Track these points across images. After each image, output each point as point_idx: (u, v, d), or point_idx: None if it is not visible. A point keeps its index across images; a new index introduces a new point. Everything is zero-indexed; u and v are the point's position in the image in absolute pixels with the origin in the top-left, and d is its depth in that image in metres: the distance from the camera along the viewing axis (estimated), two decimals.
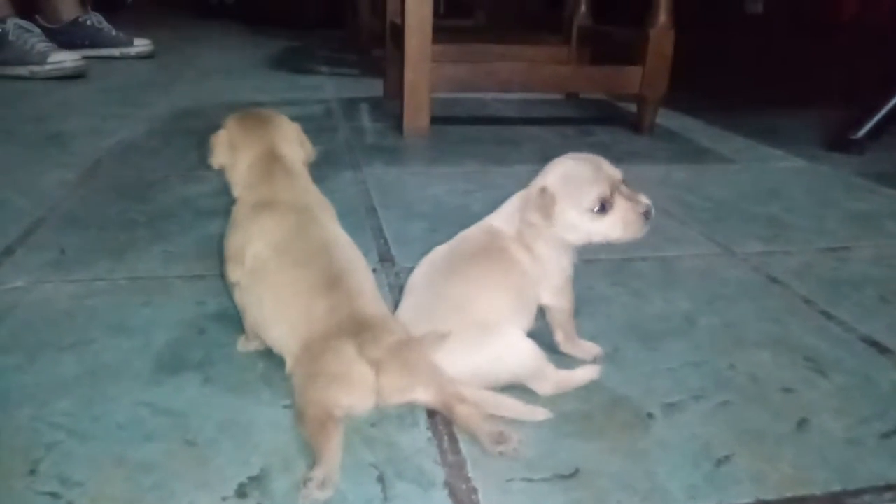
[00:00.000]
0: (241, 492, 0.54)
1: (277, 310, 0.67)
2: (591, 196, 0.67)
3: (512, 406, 0.63)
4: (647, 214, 0.68)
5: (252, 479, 0.56)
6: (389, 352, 0.61)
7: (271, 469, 0.57)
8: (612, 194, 0.67)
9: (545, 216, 0.67)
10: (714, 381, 0.71)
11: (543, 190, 0.68)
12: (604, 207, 0.67)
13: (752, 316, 0.84)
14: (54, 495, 0.53)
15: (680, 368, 0.73)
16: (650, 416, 0.65)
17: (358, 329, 0.62)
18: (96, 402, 0.64)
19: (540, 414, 0.63)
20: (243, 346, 0.73)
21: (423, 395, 0.63)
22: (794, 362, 0.75)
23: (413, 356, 0.62)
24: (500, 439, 0.59)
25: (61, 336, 0.75)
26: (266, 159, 0.75)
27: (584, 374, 0.68)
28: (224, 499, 0.53)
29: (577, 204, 0.67)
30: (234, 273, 0.71)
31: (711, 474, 0.58)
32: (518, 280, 0.69)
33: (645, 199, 0.68)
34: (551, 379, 0.66)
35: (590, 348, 0.74)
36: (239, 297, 0.72)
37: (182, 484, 0.55)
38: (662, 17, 1.64)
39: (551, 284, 0.71)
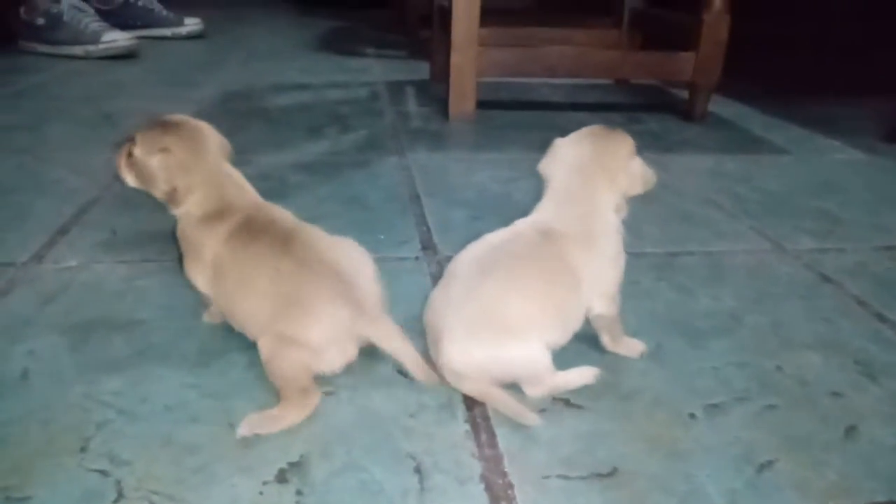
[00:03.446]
0: (282, 477, 0.55)
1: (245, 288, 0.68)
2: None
3: (508, 404, 0.63)
4: None
5: (292, 464, 0.57)
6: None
7: (310, 456, 0.58)
8: None
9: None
10: (759, 382, 0.70)
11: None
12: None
13: (802, 316, 0.82)
14: (103, 473, 0.55)
15: (724, 368, 0.72)
16: (692, 416, 0.64)
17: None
18: (145, 383, 0.66)
19: (531, 420, 0.62)
20: (209, 318, 0.77)
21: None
22: (844, 366, 0.73)
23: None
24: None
25: (112, 316, 0.77)
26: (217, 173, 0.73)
27: (579, 378, 0.67)
28: (265, 483, 0.55)
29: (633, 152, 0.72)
30: (200, 283, 0.73)
31: (753, 480, 0.57)
32: (563, 291, 0.67)
33: None
34: (547, 385, 0.66)
35: (634, 346, 0.73)
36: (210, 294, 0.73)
37: (225, 467, 0.56)
38: (717, 2, 1.59)
39: (605, 292, 0.69)
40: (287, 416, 0.61)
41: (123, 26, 2.40)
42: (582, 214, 0.69)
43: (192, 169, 0.71)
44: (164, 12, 2.69)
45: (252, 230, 0.70)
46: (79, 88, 1.86)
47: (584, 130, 0.73)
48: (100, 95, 1.78)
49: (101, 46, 2.24)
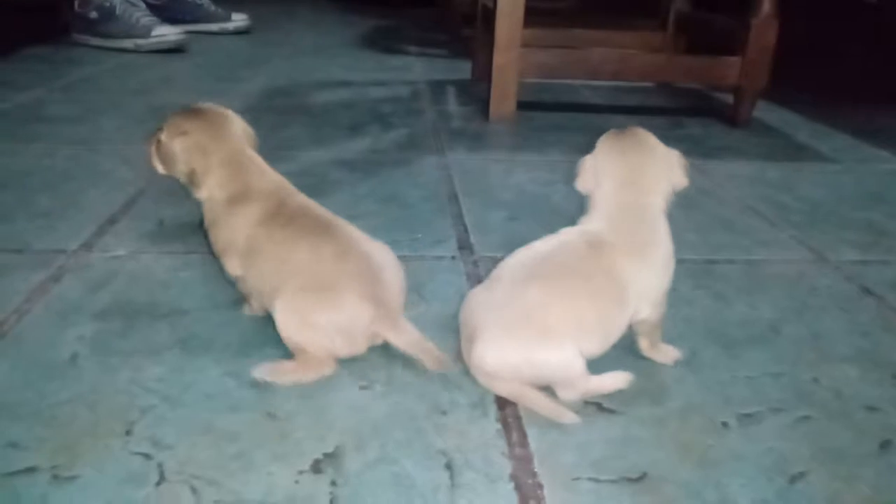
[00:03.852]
0: (317, 467, 0.57)
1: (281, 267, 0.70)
2: None
3: (544, 404, 0.64)
4: None
5: (327, 455, 0.58)
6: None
7: (345, 448, 0.59)
8: None
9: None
10: (795, 393, 0.69)
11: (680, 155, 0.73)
12: None
13: (841, 328, 0.81)
14: (147, 456, 0.57)
15: (759, 378, 0.71)
16: (725, 425, 0.64)
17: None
18: (187, 371, 0.68)
19: (568, 417, 0.63)
20: (249, 311, 0.78)
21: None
22: (882, 380, 0.72)
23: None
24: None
25: (157, 305, 0.79)
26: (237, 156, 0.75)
27: (612, 382, 0.67)
28: (300, 472, 0.56)
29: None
30: (232, 267, 0.75)
31: (785, 490, 0.57)
32: (607, 304, 0.67)
33: None
34: (580, 388, 0.66)
35: (669, 352, 0.73)
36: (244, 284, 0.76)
37: (262, 454, 0.58)
38: (766, 5, 1.57)
39: (653, 298, 0.69)
40: (299, 372, 0.66)
41: (173, 21, 2.45)
42: (635, 225, 0.69)
43: (209, 151, 0.74)
44: (213, 8, 2.74)
45: (287, 213, 0.72)
46: (129, 81, 1.91)
47: (609, 139, 0.73)
48: (149, 88, 1.83)
49: (151, 40, 2.29)
